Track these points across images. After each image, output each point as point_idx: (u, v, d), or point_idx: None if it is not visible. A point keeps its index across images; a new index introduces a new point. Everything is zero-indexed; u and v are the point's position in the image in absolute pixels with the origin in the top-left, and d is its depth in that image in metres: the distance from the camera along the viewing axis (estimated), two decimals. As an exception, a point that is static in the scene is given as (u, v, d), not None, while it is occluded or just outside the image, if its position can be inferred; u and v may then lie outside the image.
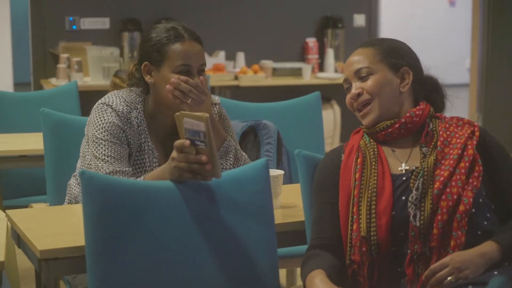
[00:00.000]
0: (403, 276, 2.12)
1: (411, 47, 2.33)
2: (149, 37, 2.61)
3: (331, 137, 6.95)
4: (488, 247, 2.07)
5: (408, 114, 2.22)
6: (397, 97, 2.24)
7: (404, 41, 2.34)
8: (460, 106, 6.41)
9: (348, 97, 2.27)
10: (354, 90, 2.25)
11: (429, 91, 2.31)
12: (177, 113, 2.13)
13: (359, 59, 2.26)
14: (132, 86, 2.69)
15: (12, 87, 9.52)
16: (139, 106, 2.63)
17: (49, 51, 6.61)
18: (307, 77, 6.93)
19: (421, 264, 2.09)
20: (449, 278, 2.02)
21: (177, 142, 2.15)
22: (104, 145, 2.55)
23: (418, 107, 2.24)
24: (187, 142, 2.12)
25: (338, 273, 2.13)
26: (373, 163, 2.19)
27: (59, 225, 2.43)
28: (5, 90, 7.03)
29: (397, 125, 2.22)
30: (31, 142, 3.75)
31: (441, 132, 2.21)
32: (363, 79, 2.25)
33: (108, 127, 2.57)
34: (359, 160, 2.22)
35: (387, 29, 9.87)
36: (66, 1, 6.64)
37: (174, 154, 2.17)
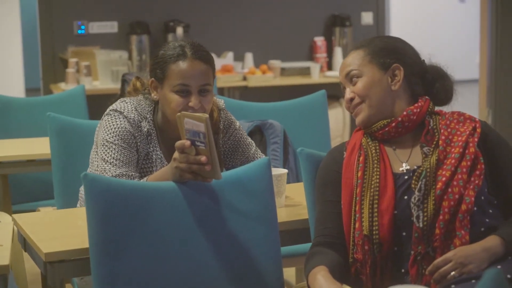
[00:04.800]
0: (406, 276, 2.12)
1: (405, 41, 2.32)
2: (157, 53, 2.60)
3: (340, 135, 6.94)
4: (492, 241, 2.07)
5: (405, 113, 2.22)
6: (388, 96, 2.24)
7: (414, 37, 2.33)
8: (470, 101, 6.36)
9: (345, 100, 2.29)
10: (347, 95, 2.27)
11: (430, 81, 2.30)
12: (178, 114, 2.14)
13: (349, 62, 2.28)
14: (144, 95, 2.69)
15: (24, 93, 9.56)
16: (148, 116, 2.63)
17: (58, 56, 6.64)
18: (316, 76, 6.93)
19: (424, 264, 2.08)
20: (452, 273, 2.02)
21: (178, 143, 2.16)
22: (114, 149, 2.55)
23: (416, 105, 2.23)
24: (188, 142, 2.13)
25: (341, 270, 2.13)
26: (375, 162, 2.19)
27: (64, 228, 2.44)
28: (16, 96, 7.07)
29: (393, 124, 2.22)
30: (38, 147, 3.76)
31: (442, 130, 2.20)
32: (353, 82, 2.26)
33: (119, 131, 2.57)
34: (361, 158, 2.21)
35: (397, 26, 9.85)
36: (75, 6, 6.66)
37: (175, 154, 2.18)
